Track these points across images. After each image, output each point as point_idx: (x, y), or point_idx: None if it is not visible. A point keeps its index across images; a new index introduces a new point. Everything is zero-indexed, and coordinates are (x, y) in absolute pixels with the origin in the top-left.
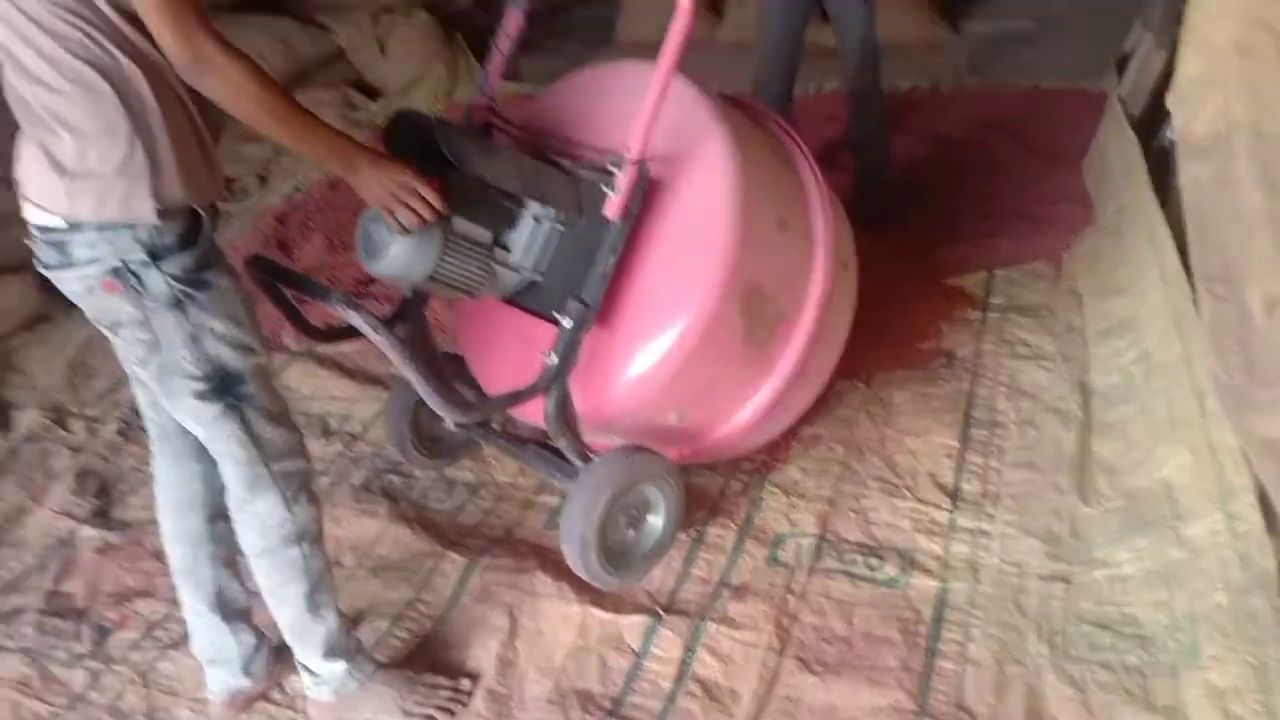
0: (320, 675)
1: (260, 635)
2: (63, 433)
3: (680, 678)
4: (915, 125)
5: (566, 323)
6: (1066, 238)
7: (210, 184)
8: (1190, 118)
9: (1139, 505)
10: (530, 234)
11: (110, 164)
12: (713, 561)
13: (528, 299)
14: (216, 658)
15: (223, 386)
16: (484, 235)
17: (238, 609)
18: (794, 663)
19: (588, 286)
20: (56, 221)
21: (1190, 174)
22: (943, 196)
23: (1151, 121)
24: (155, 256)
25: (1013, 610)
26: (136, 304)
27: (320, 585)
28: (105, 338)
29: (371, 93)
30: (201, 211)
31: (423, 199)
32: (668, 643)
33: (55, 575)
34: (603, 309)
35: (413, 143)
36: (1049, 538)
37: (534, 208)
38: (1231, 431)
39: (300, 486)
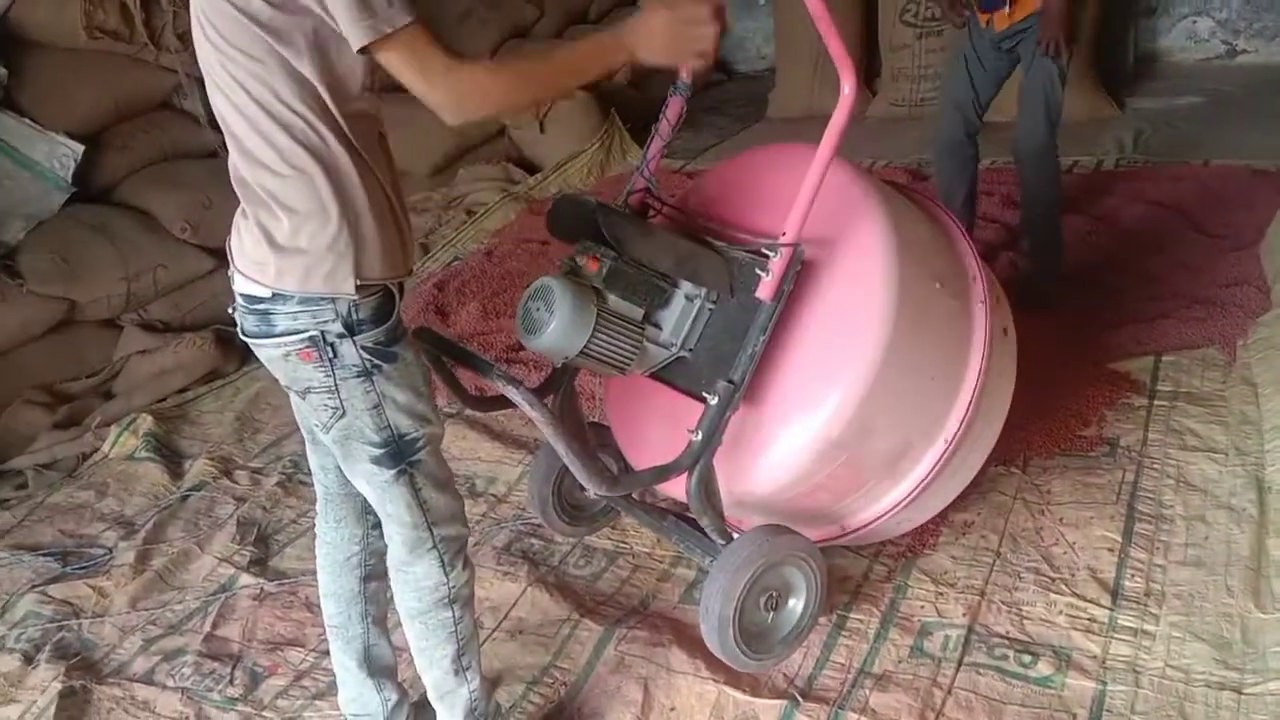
0: None
1: (403, 692)
2: (228, 483)
3: None
4: (1079, 203)
5: (713, 401)
6: (1241, 323)
7: (404, 262)
8: None
9: None
10: (681, 312)
11: (320, 243)
12: (854, 648)
13: (676, 375)
14: (360, 711)
15: (398, 453)
16: (636, 313)
17: (384, 665)
18: None
19: (736, 366)
20: (263, 292)
21: None
22: (1107, 277)
23: None
24: (351, 329)
25: (1177, 719)
26: (328, 372)
27: (467, 648)
28: (272, 394)
29: (530, 168)
30: (394, 289)
31: (704, 20)
32: None
33: (214, 620)
34: (751, 388)
35: (574, 223)
36: (1219, 643)
37: (686, 287)
38: None
39: (458, 551)
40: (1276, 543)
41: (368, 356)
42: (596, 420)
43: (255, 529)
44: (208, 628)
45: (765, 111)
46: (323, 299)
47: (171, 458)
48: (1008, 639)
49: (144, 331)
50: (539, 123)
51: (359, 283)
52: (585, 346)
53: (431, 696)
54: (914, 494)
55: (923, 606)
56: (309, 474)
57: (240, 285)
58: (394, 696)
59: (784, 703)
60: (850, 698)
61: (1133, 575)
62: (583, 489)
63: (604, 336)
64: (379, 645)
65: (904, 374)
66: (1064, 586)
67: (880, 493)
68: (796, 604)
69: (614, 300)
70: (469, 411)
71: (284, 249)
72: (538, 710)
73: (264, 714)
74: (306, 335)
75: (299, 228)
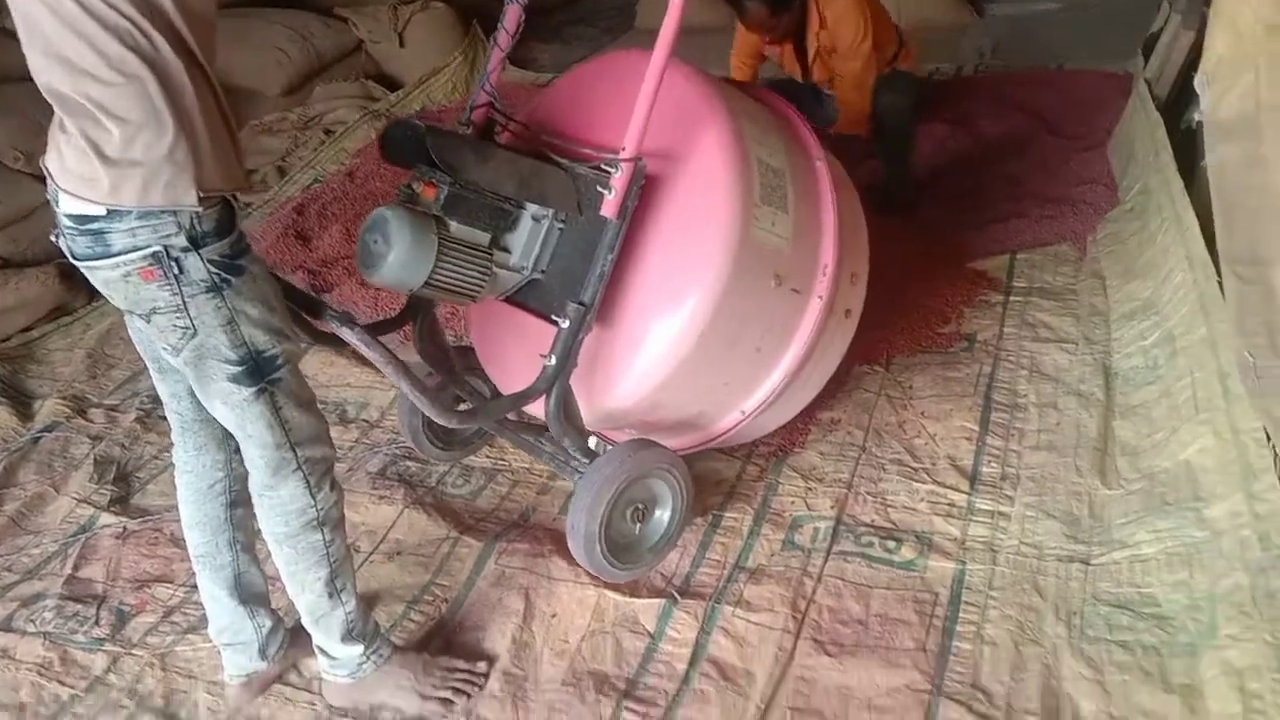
0: (337, 659)
1: (277, 619)
2: (82, 421)
3: (695, 659)
4: (939, 108)
5: (564, 324)
6: (1091, 220)
7: (241, 172)
8: (1218, 98)
9: (1160, 487)
10: (529, 234)
11: (156, 152)
12: (729, 545)
13: (530, 298)
14: (234, 641)
15: (256, 370)
16: (481, 238)
17: (256, 593)
18: (809, 644)
19: (586, 287)
20: (96, 210)
21: (1218, 155)
22: (966, 179)
23: (1178, 103)
24: (195, 242)
25: (1030, 591)
26: (175, 290)
27: (340, 570)
28: (124, 328)
29: (390, 84)
30: (232, 200)
31: None
32: (683, 625)
33: (75, 561)
34: (605, 305)
35: (407, 149)
36: (1068, 519)
37: (533, 208)
38: (1255, 412)
39: (324, 473)
40: (1121, 424)
41: (215, 271)
42: (465, 345)
43: (114, 467)
44: (68, 570)
45: (634, 22)
46: (163, 212)
47: (19, 399)
48: (873, 527)
49: None
50: (398, 36)
51: (201, 194)
52: (429, 278)
53: (306, 621)
54: (768, 401)
55: (793, 502)
56: None
57: (67, 205)
58: (268, 623)
59: (663, 601)
60: (725, 592)
61: (989, 461)
62: None
63: (448, 266)
64: (249, 573)
65: (756, 276)
66: (925, 475)
67: (739, 401)
68: (663, 514)
69: (456, 227)
70: None
71: (116, 162)
72: (419, 628)
73: (133, 652)
74: (149, 252)
75: (132, 138)
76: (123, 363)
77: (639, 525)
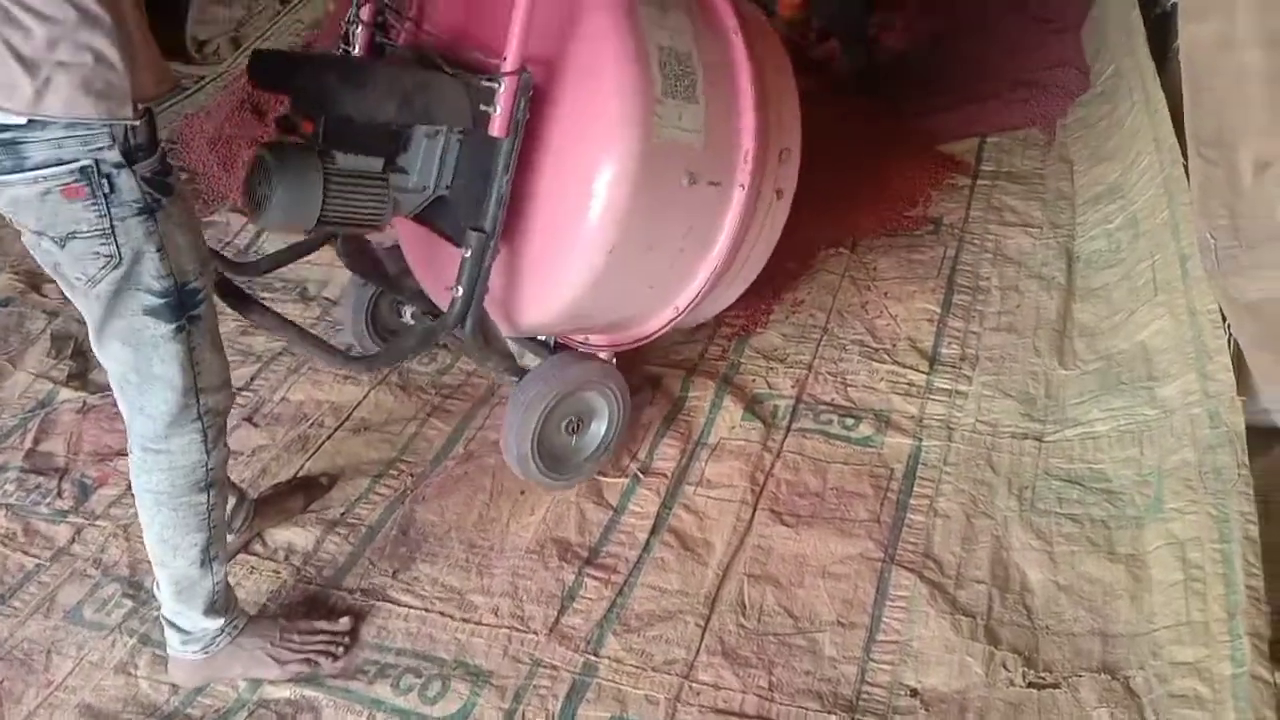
0: (191, 633)
1: (240, 492)
2: (37, 297)
3: (656, 529)
4: None
5: (467, 254)
6: (1063, 104)
7: (168, 73)
8: None
9: (1116, 367)
10: (425, 152)
11: (87, 55)
12: (691, 423)
13: (436, 217)
14: None
15: (179, 304)
16: (374, 164)
17: None
18: (767, 515)
19: (484, 212)
20: (12, 119)
21: (1190, 35)
22: (937, 61)
23: None
24: (129, 157)
25: (984, 467)
26: (102, 211)
27: (216, 536)
28: None
29: None
30: (152, 109)
31: None
32: (645, 500)
33: (35, 435)
34: (511, 223)
35: (280, 75)
36: (1024, 398)
37: (425, 125)
38: (1212, 294)
39: (220, 428)
40: (1081, 306)
41: (149, 190)
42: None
43: (72, 343)
44: (29, 444)
45: None
46: (96, 123)
47: None
48: (832, 406)
49: None
50: None
51: (139, 104)
52: (321, 215)
53: (166, 592)
54: (705, 291)
55: (754, 380)
56: None
57: None
58: (232, 497)
59: (627, 480)
60: (688, 471)
61: (949, 343)
62: (399, 314)
63: (339, 200)
64: None
65: (666, 179)
66: (886, 356)
67: (671, 296)
68: (599, 426)
69: (343, 158)
70: None
71: (37, 65)
72: (383, 501)
73: (98, 523)
74: (76, 166)
75: (58, 38)
76: None
77: (575, 437)
